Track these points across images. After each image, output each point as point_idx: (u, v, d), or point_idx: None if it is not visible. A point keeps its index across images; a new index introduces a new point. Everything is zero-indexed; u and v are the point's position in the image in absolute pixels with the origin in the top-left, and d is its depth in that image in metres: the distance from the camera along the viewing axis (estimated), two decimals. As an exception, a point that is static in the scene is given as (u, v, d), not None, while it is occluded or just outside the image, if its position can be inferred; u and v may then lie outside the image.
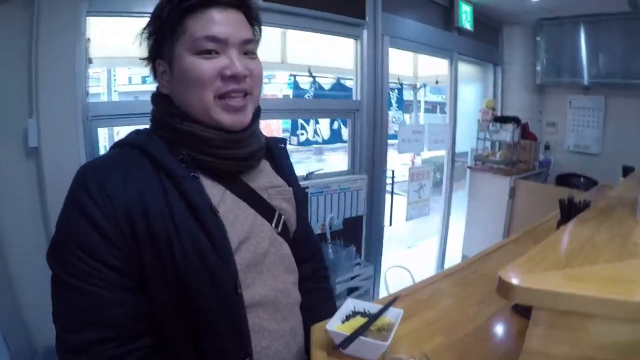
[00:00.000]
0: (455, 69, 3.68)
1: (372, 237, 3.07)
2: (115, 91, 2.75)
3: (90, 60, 2.05)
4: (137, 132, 0.86)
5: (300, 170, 2.78)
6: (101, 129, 2.20)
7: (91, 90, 2.46)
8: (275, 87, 4.08)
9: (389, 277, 3.27)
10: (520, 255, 0.70)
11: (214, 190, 0.81)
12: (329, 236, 2.75)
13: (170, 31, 0.78)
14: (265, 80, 3.82)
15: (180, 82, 0.79)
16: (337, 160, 3.10)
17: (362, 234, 3.01)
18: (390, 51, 3.01)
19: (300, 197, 1.02)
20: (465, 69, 3.94)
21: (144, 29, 0.83)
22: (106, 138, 2.51)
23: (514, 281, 0.61)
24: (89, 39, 2.01)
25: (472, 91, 4.19)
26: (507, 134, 3.64)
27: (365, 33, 2.84)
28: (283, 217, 0.92)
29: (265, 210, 0.89)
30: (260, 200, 0.88)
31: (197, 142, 0.79)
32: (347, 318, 0.96)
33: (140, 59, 0.86)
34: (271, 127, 3.78)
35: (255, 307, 0.81)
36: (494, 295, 0.63)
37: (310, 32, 2.67)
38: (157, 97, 0.86)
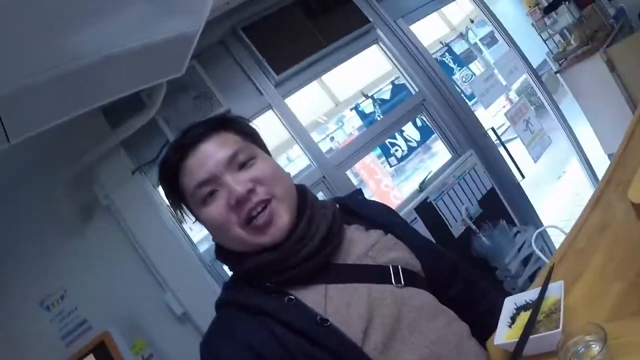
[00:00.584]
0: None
1: (515, 199, 2.87)
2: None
3: (180, 220, 2.18)
4: (225, 286, 0.86)
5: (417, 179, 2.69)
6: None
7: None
8: (347, 126, 4.08)
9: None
10: None
11: (315, 296, 0.75)
12: (473, 227, 2.60)
13: (178, 197, 0.81)
14: (339, 124, 3.89)
15: (213, 233, 0.81)
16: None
17: (503, 204, 2.81)
18: (413, 27, 2.88)
19: (403, 230, 0.91)
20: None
21: (171, 207, 0.86)
22: None
23: None
24: (169, 205, 2.16)
25: (508, 3, 3.86)
26: (565, 16, 3.30)
27: (379, 32, 2.76)
28: (399, 266, 0.82)
29: (378, 275, 0.80)
30: (366, 270, 0.80)
31: (268, 269, 0.76)
32: (513, 319, 0.82)
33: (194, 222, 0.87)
34: (366, 162, 3.76)
35: None
36: None
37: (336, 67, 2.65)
38: (216, 251, 0.86)
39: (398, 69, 2.79)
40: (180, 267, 2.10)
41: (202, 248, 2.25)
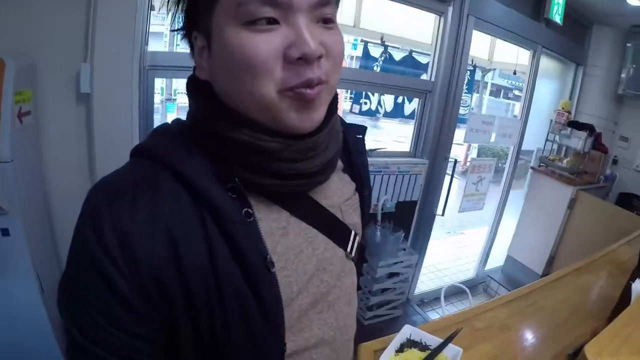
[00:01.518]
0: (536, 63, 3.43)
1: (423, 224, 2.98)
2: (178, 45, 2.69)
3: (152, 7, 1.95)
4: (166, 134, 0.61)
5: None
6: (158, 80, 2.13)
7: (152, 41, 2.39)
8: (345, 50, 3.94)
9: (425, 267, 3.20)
10: (582, 292, 0.63)
11: (274, 224, 0.60)
12: (379, 218, 2.67)
13: None
14: None
15: (223, 67, 0.54)
16: (392, 129, 2.97)
17: (413, 220, 2.91)
18: (475, 32, 2.82)
19: (367, 202, 0.79)
20: (546, 63, 3.67)
21: None
22: (164, 88, 2.50)
23: None
24: None
25: (548, 88, 3.92)
26: (579, 141, 3.43)
27: (450, 10, 2.65)
28: (357, 237, 0.72)
29: (339, 233, 0.68)
30: (333, 222, 0.68)
31: (255, 157, 0.56)
32: (402, 348, 0.91)
33: (171, 30, 0.62)
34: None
35: (309, 350, 0.65)
36: (552, 335, 0.56)
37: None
38: (193, 85, 0.61)
39: (434, 51, 2.72)
40: (117, 51, 1.86)
41: (152, 47, 2.00)
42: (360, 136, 0.81)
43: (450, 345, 0.90)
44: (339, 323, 0.69)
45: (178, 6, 0.57)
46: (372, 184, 2.48)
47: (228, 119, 0.56)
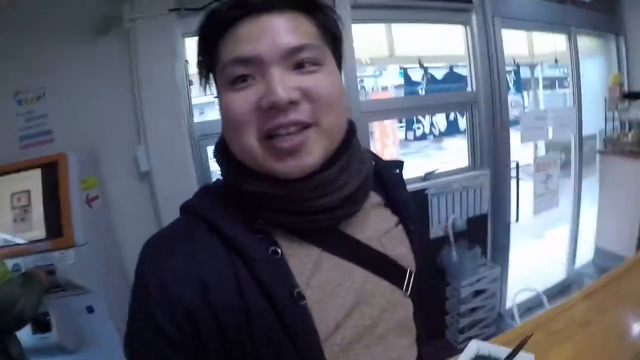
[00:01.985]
0: (574, 45, 3.30)
1: (498, 235, 2.87)
2: None
3: (191, 82, 2.08)
4: (205, 192, 0.70)
5: (417, 168, 2.67)
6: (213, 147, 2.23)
7: (206, 109, 2.52)
8: (387, 80, 3.93)
9: (513, 278, 3.06)
10: None
11: (305, 259, 0.63)
12: (452, 238, 2.61)
13: (208, 64, 0.63)
14: (377, 73, 3.74)
15: (223, 124, 0.62)
16: (456, 146, 2.91)
17: (487, 233, 2.82)
18: (504, 32, 2.77)
19: (417, 236, 0.79)
20: (585, 42, 3.52)
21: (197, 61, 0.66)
22: None
23: None
24: (187, 61, 2.05)
25: (595, 67, 3.74)
26: (638, 111, 3.21)
27: (473, 17, 2.64)
28: (413, 274, 0.73)
29: (382, 266, 0.69)
30: (372, 255, 0.68)
31: (267, 202, 0.61)
32: None
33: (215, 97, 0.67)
34: (385, 124, 3.68)
35: None
36: (636, 327, 0.51)
37: (415, 24, 2.55)
38: (218, 146, 0.68)
39: (469, 61, 2.70)
40: (166, 127, 2.00)
41: (197, 119, 2.16)
42: (397, 171, 0.82)
43: (521, 353, 0.83)
44: (392, 355, 0.68)
45: (204, 78, 0.66)
46: (437, 205, 2.47)
47: (238, 172, 0.63)
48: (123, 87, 2.01)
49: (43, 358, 1.89)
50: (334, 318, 0.62)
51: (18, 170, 1.89)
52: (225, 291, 0.58)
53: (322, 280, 0.62)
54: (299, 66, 0.58)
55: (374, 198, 0.74)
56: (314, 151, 0.59)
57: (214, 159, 0.69)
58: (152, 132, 1.99)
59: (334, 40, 0.64)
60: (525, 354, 0.84)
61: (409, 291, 0.72)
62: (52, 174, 1.85)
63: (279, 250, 0.61)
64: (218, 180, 0.71)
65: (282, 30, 0.57)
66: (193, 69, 2.07)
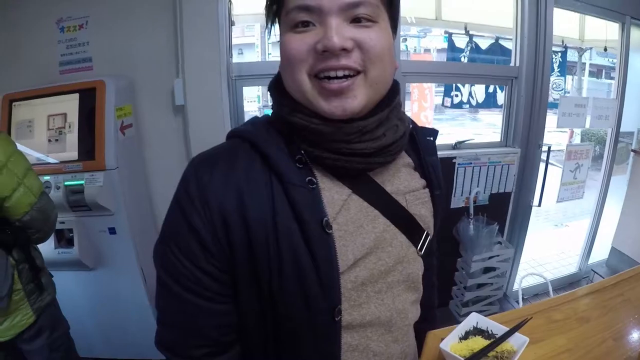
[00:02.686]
0: (627, 36, 3.16)
1: (518, 216, 2.85)
2: (270, 43, 2.80)
3: (232, 22, 2.10)
4: (253, 122, 0.76)
5: (449, 136, 2.64)
6: (254, 88, 2.26)
7: (245, 50, 2.50)
8: (430, 43, 3.87)
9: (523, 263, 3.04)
10: None
11: (336, 195, 0.69)
12: (472, 211, 2.60)
13: (276, 8, 0.68)
14: (421, 33, 3.69)
15: (282, 62, 0.68)
16: (491, 120, 2.86)
17: (507, 212, 2.79)
18: (554, 11, 2.67)
19: (441, 202, 0.85)
20: (638, 34, 3.39)
21: (266, 14, 0.72)
22: (260, 96, 2.64)
23: None
24: (230, 1, 2.06)
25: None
26: (684, 115, 3.11)
27: (526, -10, 2.55)
28: (430, 235, 0.80)
29: (402, 220, 0.75)
30: (395, 207, 0.74)
31: (315, 137, 0.67)
32: (467, 335, 0.88)
33: (270, 43, 0.76)
34: (423, 87, 3.63)
35: (364, 327, 0.72)
36: (633, 332, 0.51)
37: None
38: (274, 82, 0.74)
39: (515, 34, 2.62)
40: (205, 64, 2.03)
41: (236, 60, 2.17)
42: (431, 138, 0.87)
43: (517, 334, 0.85)
44: (397, 306, 0.75)
45: (270, 22, 0.71)
46: (462, 176, 2.46)
47: (289, 105, 0.68)
48: (166, 22, 2.03)
49: (64, 272, 1.98)
50: (353, 254, 0.68)
51: (57, 94, 1.96)
52: (259, 207, 0.64)
53: (347, 218, 0.69)
54: (356, 20, 0.63)
55: (406, 158, 0.81)
56: (358, 96, 0.64)
57: (268, 92, 0.75)
58: (190, 68, 2.02)
59: (390, 1, 0.68)
60: (521, 336, 0.85)
61: (422, 251, 0.78)
62: (89, 99, 1.91)
63: (315, 181, 0.67)
64: (265, 115, 0.78)
65: None
66: (236, 9, 2.10)
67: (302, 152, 0.68)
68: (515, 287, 3.11)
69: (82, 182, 1.87)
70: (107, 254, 2.07)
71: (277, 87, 0.72)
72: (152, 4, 2.04)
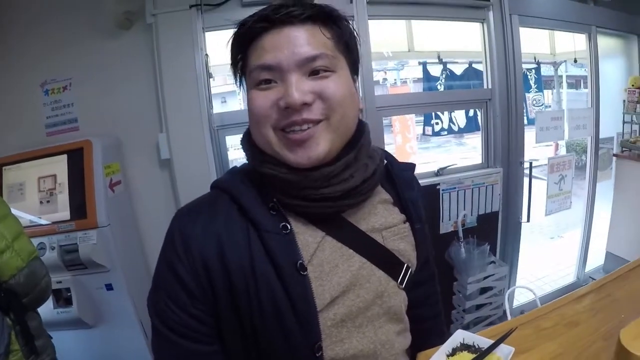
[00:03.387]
0: (594, 45, 3.25)
1: (509, 234, 2.87)
2: None
3: (210, 75, 2.15)
4: (232, 172, 0.82)
5: (435, 164, 2.67)
6: (231, 137, 2.31)
7: (228, 98, 2.55)
8: (407, 73, 3.94)
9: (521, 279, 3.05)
10: None
11: (310, 238, 0.73)
12: (461, 234, 2.62)
13: (242, 63, 0.74)
14: (399, 66, 3.75)
15: (249, 118, 0.73)
16: (476, 143, 2.89)
17: (497, 231, 2.81)
18: (522, 30, 2.75)
19: (423, 234, 0.87)
20: (606, 42, 3.47)
21: (231, 63, 0.77)
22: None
23: (635, 351, 0.47)
24: (207, 55, 2.12)
25: (615, 67, 3.68)
26: (658, 114, 3.17)
27: (491, 15, 2.62)
28: (411, 269, 0.82)
29: (378, 256, 0.77)
30: (371, 244, 0.77)
31: (284, 185, 0.71)
32: (454, 352, 0.87)
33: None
34: (405, 118, 3.69)
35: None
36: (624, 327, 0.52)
37: (431, 21, 2.55)
38: (245, 135, 0.79)
39: (485, 58, 2.68)
40: (186, 117, 2.08)
41: (217, 110, 2.22)
42: (409, 172, 0.90)
43: (502, 345, 0.86)
44: (380, 337, 0.77)
45: (238, 78, 0.77)
46: (448, 201, 2.48)
47: (259, 157, 0.74)
48: (146, 79, 2.09)
49: (64, 331, 1.98)
50: (330, 293, 0.71)
51: (45, 156, 1.99)
52: (238, 253, 0.69)
53: (322, 259, 0.72)
54: (314, 72, 0.68)
55: (384, 194, 0.84)
56: (321, 143, 0.69)
57: (241, 146, 0.80)
58: (173, 122, 2.07)
59: (347, 48, 0.74)
60: (506, 347, 0.86)
61: (403, 284, 0.81)
62: (77, 159, 1.94)
63: (289, 226, 0.71)
64: (245, 164, 0.82)
65: (300, 41, 0.67)
66: (213, 61, 2.16)
67: (275, 200, 0.73)
68: (515, 303, 3.12)
69: (75, 242, 1.89)
70: (106, 310, 2.07)
71: (248, 140, 0.77)
72: (132, 61, 2.09)
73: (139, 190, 2.23)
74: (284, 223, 0.72)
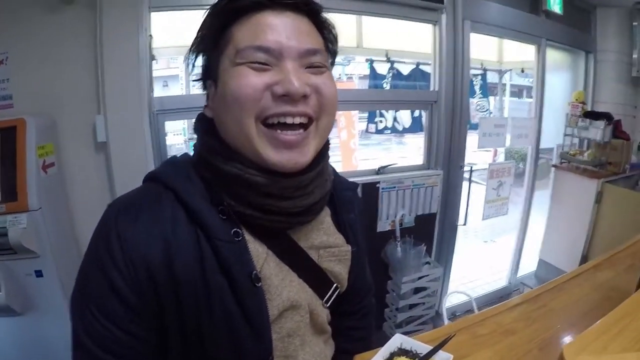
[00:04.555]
0: (542, 57, 3.35)
1: (445, 236, 2.91)
2: (194, 86, 2.77)
3: (153, 57, 2.09)
4: (172, 163, 0.71)
5: (374, 161, 2.67)
6: (180, 121, 2.24)
7: (170, 82, 2.46)
8: (353, 69, 3.93)
9: (454, 280, 3.11)
10: (598, 290, 0.58)
11: (259, 248, 0.67)
12: (398, 234, 2.63)
13: (213, 43, 0.64)
14: (345, 62, 3.73)
15: (221, 100, 0.63)
16: (418, 143, 2.91)
17: (434, 232, 2.86)
18: (472, 36, 2.78)
19: (357, 253, 0.83)
20: (554, 55, 3.59)
21: (191, 47, 0.68)
22: (185, 128, 2.59)
23: None
24: (151, 36, 2.05)
25: (561, 81, 3.82)
26: (598, 131, 3.28)
27: (444, 18, 2.63)
28: (338, 290, 0.79)
29: (312, 276, 0.74)
30: (306, 263, 0.74)
31: (243, 189, 0.64)
32: (391, 357, 0.88)
33: (193, 80, 0.72)
34: (351, 114, 3.66)
35: None
36: (558, 340, 0.52)
37: (384, 18, 2.54)
38: (199, 121, 0.71)
39: (434, 60, 2.69)
40: (125, 100, 2.00)
41: (157, 94, 2.14)
42: (350, 193, 0.86)
43: (440, 352, 0.86)
44: (316, 349, 0.77)
45: (194, 60, 0.69)
46: (387, 200, 2.48)
47: (223, 153, 0.64)
48: (86, 58, 1.98)
49: None
50: (278, 308, 0.67)
51: None
52: (188, 264, 0.61)
53: (270, 272, 0.67)
54: (310, 66, 0.63)
55: (326, 212, 0.78)
56: (310, 150, 0.64)
57: (194, 133, 0.71)
58: (112, 104, 1.99)
59: (333, 51, 0.71)
60: (444, 354, 0.86)
61: (328, 303, 0.78)
62: (9, 138, 1.82)
63: (240, 232, 0.65)
64: (186, 154, 0.74)
65: (303, 31, 0.63)
66: (156, 43, 2.09)
67: (225, 203, 0.65)
68: (448, 304, 3.18)
69: (4, 225, 1.78)
70: (36, 297, 1.97)
71: (208, 129, 0.68)
72: (72, 38, 1.98)
73: (73, 174, 2.13)
74: (235, 229, 0.64)
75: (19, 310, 1.94)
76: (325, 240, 0.76)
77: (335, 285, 0.78)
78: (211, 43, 0.65)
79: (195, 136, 0.73)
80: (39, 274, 1.91)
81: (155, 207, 0.63)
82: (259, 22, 0.61)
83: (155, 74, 2.13)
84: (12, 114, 1.90)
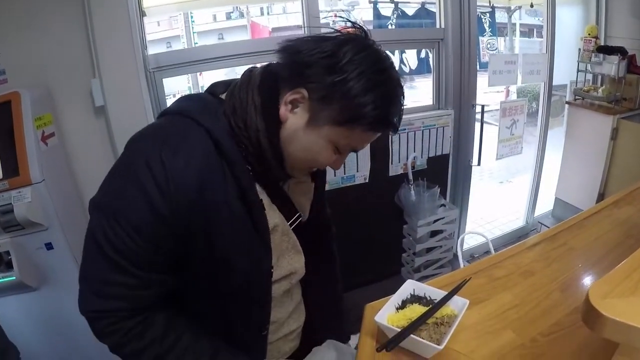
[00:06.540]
0: (553, -10, 3.23)
1: (459, 177, 2.89)
2: (195, 33, 2.73)
3: (143, 13, 2.06)
4: (199, 98, 0.83)
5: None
6: (184, 77, 2.21)
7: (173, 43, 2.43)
8: (358, 14, 3.83)
9: (471, 222, 3.09)
10: (619, 227, 0.54)
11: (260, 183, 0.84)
12: (411, 177, 2.61)
13: (339, 106, 0.73)
14: (350, 7, 3.66)
15: (302, 129, 0.76)
16: (428, 86, 2.84)
17: (447, 174, 2.83)
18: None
19: (321, 190, 1.06)
20: (565, -12, 3.45)
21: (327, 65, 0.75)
22: (191, 85, 2.57)
23: (605, 312, 0.45)
24: None
25: (573, 15, 3.68)
26: (611, 66, 3.17)
27: (449, -48, 2.53)
28: (302, 217, 0.95)
29: (285, 203, 0.90)
30: (282, 194, 0.89)
31: (265, 167, 0.79)
32: (404, 304, 0.85)
33: (276, 51, 0.78)
34: None
35: (286, 277, 0.94)
36: (580, 280, 0.49)
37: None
38: (260, 80, 0.80)
39: (439, -3, 2.61)
40: (120, 61, 1.96)
41: (152, 51, 2.10)
42: None
43: (455, 297, 0.84)
44: (295, 264, 0.95)
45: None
46: (397, 143, 2.45)
47: (274, 151, 0.78)
48: (76, 21, 1.93)
49: (7, 297, 1.92)
50: (270, 225, 0.84)
51: None
52: (216, 190, 0.72)
53: (265, 200, 0.83)
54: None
55: None
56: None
57: (242, 79, 0.80)
58: (106, 66, 1.95)
59: None
60: (460, 299, 0.83)
61: (292, 227, 0.93)
62: (5, 113, 1.80)
63: (250, 170, 0.79)
64: (211, 89, 0.84)
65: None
66: (155, 1, 2.04)
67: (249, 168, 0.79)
68: (465, 246, 3.18)
69: (9, 202, 1.79)
70: (48, 270, 1.98)
71: (270, 97, 0.77)
72: (59, 4, 1.92)
73: (74, 142, 2.12)
74: (248, 166, 0.79)
75: (34, 286, 1.96)
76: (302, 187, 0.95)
77: (298, 214, 0.94)
78: (349, 118, 0.73)
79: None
80: (49, 246, 1.92)
81: (189, 144, 0.71)
82: (367, 136, 0.78)
83: (157, 35, 2.10)
84: (7, 89, 1.88)
